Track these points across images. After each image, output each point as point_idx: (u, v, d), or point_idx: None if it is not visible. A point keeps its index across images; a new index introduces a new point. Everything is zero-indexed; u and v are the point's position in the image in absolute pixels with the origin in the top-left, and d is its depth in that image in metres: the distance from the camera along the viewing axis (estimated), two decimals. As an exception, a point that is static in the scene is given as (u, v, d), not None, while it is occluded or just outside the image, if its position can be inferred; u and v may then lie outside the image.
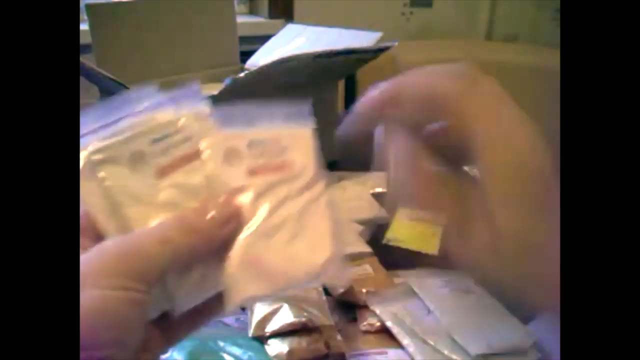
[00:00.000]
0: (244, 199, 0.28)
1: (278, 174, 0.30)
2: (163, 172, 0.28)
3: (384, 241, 0.55)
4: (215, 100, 0.55)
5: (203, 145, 0.29)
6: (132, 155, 0.27)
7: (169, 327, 0.27)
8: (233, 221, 0.27)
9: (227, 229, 0.27)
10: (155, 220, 0.27)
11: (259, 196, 0.29)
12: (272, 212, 0.28)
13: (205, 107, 0.30)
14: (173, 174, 0.28)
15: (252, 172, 0.29)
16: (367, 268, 0.48)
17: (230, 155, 0.29)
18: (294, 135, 0.31)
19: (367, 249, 0.53)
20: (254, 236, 0.27)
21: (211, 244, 0.26)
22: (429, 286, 0.45)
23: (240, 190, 0.28)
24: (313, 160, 0.31)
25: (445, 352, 0.38)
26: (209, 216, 0.26)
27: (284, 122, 0.31)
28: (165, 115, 0.29)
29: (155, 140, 0.28)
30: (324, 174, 0.31)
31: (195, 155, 0.29)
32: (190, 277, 0.27)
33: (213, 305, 0.28)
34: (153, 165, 0.28)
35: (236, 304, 0.26)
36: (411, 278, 0.47)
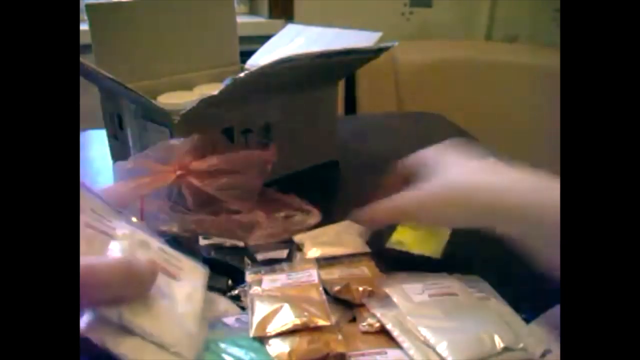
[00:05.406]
0: None
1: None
2: None
3: (388, 245, 0.55)
4: (215, 99, 0.55)
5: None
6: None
7: None
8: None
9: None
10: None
11: None
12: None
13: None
14: None
15: None
16: (364, 270, 0.48)
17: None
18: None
19: (366, 249, 0.53)
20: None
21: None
22: (405, 291, 0.43)
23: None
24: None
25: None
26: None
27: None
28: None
29: None
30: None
31: None
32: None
33: None
34: None
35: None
36: (388, 282, 0.45)
